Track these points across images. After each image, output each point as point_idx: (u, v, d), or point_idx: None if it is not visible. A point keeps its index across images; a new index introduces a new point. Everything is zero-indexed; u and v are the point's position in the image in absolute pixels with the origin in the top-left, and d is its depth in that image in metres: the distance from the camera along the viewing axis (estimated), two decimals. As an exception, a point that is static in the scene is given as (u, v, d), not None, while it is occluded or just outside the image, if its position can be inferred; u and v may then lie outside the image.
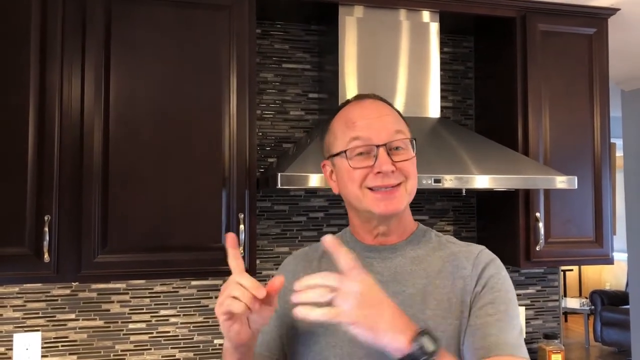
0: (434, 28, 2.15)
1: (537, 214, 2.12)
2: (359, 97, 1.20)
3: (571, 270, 8.30)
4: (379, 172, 1.09)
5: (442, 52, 2.28)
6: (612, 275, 8.46)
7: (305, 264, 1.23)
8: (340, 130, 1.15)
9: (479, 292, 1.08)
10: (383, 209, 1.10)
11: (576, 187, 1.94)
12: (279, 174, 1.67)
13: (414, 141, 1.14)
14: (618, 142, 3.98)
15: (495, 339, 1.03)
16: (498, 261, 1.14)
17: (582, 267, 8.30)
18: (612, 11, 2.24)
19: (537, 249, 2.11)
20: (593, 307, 6.56)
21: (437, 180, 1.77)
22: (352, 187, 1.12)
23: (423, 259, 1.14)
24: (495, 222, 2.31)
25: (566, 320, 7.74)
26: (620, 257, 4.95)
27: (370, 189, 1.10)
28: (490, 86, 2.38)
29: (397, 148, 1.11)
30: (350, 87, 2.05)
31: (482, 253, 1.14)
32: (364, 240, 1.18)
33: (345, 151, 1.12)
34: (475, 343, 1.03)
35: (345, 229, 1.26)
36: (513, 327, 1.06)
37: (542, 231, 2.10)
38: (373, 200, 1.10)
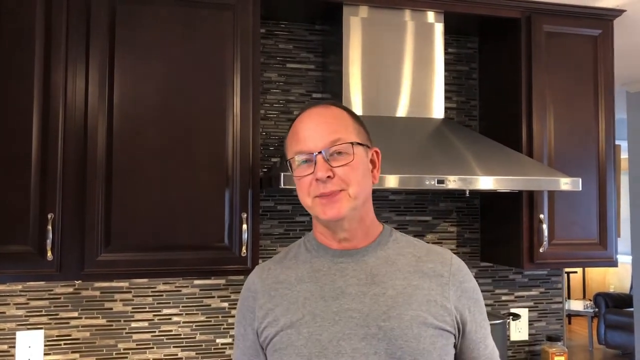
0: (439, 28, 2.14)
1: (541, 216, 2.11)
2: (309, 106, 1.23)
3: (575, 272, 8.27)
4: (317, 179, 1.12)
5: (446, 53, 2.28)
6: (616, 277, 8.42)
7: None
8: (290, 140, 1.20)
9: (468, 307, 1.18)
10: (327, 214, 1.13)
11: (580, 188, 1.93)
12: (282, 174, 1.67)
13: (352, 145, 1.15)
14: (623, 144, 3.96)
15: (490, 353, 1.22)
16: (466, 267, 1.24)
17: (586, 269, 8.28)
18: (617, 12, 2.24)
19: (541, 251, 2.10)
20: (597, 309, 6.53)
21: (441, 181, 1.77)
22: (302, 196, 1.17)
23: (395, 259, 1.18)
24: (499, 224, 2.31)
25: (570, 323, 7.71)
26: (625, 259, 4.93)
27: (317, 196, 1.14)
28: (495, 87, 2.37)
29: (339, 153, 1.14)
30: (354, 87, 2.05)
31: (455, 260, 1.21)
32: (331, 246, 1.20)
33: (287, 161, 1.19)
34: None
35: (308, 235, 1.27)
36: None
37: (545, 233, 2.09)
38: (319, 206, 1.14)
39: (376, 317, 1.10)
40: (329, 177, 1.12)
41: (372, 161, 1.22)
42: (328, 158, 1.13)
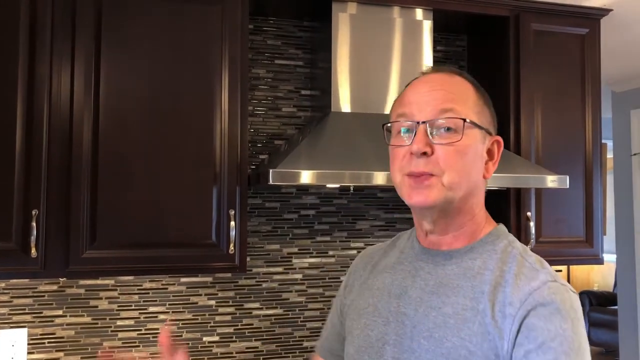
0: (427, 26, 2.14)
1: (529, 213, 2.12)
2: (429, 71, 1.05)
3: (560, 270, 8.33)
4: (412, 153, 0.95)
5: (435, 51, 2.27)
6: (600, 276, 8.51)
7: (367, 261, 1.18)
8: (396, 104, 1.04)
9: (522, 345, 0.87)
10: (413, 199, 0.96)
11: (568, 186, 1.94)
12: (271, 170, 1.66)
13: (464, 122, 0.95)
14: (609, 144, 4.00)
15: None
16: (565, 303, 0.89)
17: (571, 267, 8.35)
18: (604, 12, 2.25)
19: (529, 248, 2.10)
20: (581, 307, 6.59)
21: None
22: (392, 169, 1.00)
23: (478, 273, 0.96)
24: (487, 221, 2.31)
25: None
26: (609, 258, 4.98)
27: (406, 175, 0.96)
28: (483, 85, 2.37)
29: (447, 129, 0.95)
30: (342, 84, 2.04)
31: (544, 289, 0.90)
32: (420, 239, 1.06)
33: (385, 125, 1.01)
34: None
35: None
36: None
37: (533, 230, 2.10)
38: (406, 187, 0.97)
39: (420, 332, 0.95)
40: (424, 153, 0.93)
41: (489, 151, 1.01)
42: (432, 132, 0.95)
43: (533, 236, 2.10)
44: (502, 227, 1.05)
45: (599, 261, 2.25)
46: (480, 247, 1.00)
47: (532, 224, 2.10)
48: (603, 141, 2.35)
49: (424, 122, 0.95)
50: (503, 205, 2.17)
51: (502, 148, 1.04)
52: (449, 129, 0.95)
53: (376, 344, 1.00)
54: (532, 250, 2.08)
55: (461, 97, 0.98)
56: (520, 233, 2.12)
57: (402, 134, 0.98)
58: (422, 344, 0.94)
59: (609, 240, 3.78)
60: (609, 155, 4.65)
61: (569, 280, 8.63)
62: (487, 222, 1.04)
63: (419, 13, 2.14)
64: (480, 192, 1.03)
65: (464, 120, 0.95)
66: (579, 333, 0.88)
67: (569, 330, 0.87)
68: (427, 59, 2.13)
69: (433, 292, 0.98)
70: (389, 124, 1.01)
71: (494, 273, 0.95)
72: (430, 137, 0.94)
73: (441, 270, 1.00)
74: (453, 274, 0.98)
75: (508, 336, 0.88)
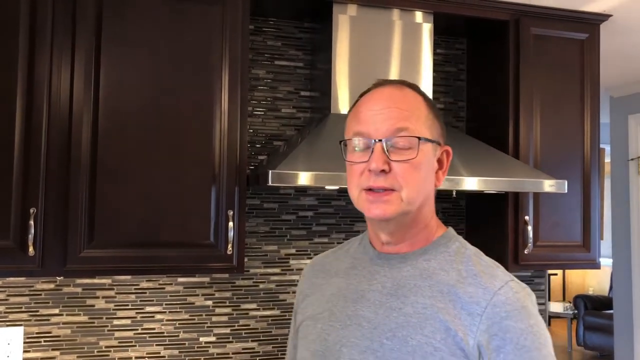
0: (427, 29, 2.14)
1: (527, 217, 2.12)
2: (379, 84, 1.08)
3: (555, 274, 8.36)
4: (370, 170, 0.99)
5: (434, 54, 2.28)
6: (595, 280, 8.54)
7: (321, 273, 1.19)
8: (350, 119, 1.07)
9: (501, 349, 0.91)
10: (372, 212, 1.01)
11: (566, 191, 1.95)
12: (270, 171, 1.66)
13: (419, 140, 1.00)
14: (607, 148, 4.02)
15: None
16: (527, 301, 0.96)
17: (566, 271, 8.38)
18: (604, 17, 2.26)
19: (526, 252, 2.11)
20: (576, 311, 6.61)
21: (429, 181, 1.76)
22: (350, 184, 1.05)
23: (434, 273, 1.01)
24: (484, 225, 2.32)
25: (549, 324, 7.80)
26: (604, 262, 4.99)
27: (364, 190, 1.01)
28: (482, 88, 2.38)
29: (401, 147, 0.99)
30: (341, 85, 2.04)
31: (506, 289, 0.96)
32: (375, 246, 1.10)
33: (342, 142, 1.06)
34: None
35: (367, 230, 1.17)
36: None
37: (530, 234, 2.10)
38: (365, 202, 1.02)
39: (381, 333, 0.98)
40: (383, 170, 0.98)
41: (439, 160, 1.07)
42: (388, 149, 0.99)
43: (531, 240, 2.10)
44: (451, 230, 1.11)
45: (596, 266, 2.26)
46: (433, 249, 1.05)
47: (529, 227, 2.11)
48: (601, 146, 2.36)
49: (380, 141, 0.99)
50: (501, 209, 2.17)
51: (450, 157, 1.09)
52: (402, 146, 0.99)
53: (333, 347, 1.03)
54: (529, 254, 2.10)
55: (414, 113, 1.02)
56: (518, 237, 2.12)
57: (358, 151, 1.02)
58: (385, 344, 0.97)
59: (605, 244, 3.79)
60: (607, 159, 4.66)
61: (564, 285, 8.65)
62: (438, 226, 1.09)
63: (418, 16, 2.14)
64: (432, 200, 1.08)
65: (419, 138, 1.00)
66: (543, 327, 0.96)
67: (535, 326, 0.94)
68: (427, 61, 2.13)
69: (391, 294, 1.01)
70: (344, 141, 1.05)
71: (449, 273, 1.00)
72: (386, 154, 0.99)
73: (397, 272, 1.03)
74: (409, 275, 1.02)
75: (474, 333, 0.93)
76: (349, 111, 1.11)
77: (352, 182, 1.04)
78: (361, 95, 1.09)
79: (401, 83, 1.08)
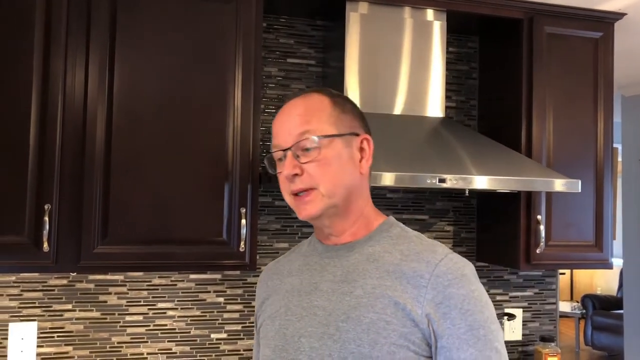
0: (438, 27, 2.13)
1: (539, 217, 2.11)
2: (290, 97, 1.16)
3: (563, 274, 8.33)
4: (286, 177, 1.08)
5: (447, 52, 2.27)
6: (603, 280, 8.50)
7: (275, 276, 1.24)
8: (272, 135, 1.15)
9: (449, 317, 0.99)
10: (302, 214, 1.09)
11: (579, 190, 1.93)
12: (284, 169, 1.66)
13: (319, 139, 1.06)
14: (620, 148, 4.00)
15: None
16: (466, 270, 1.04)
17: (574, 270, 8.35)
18: (618, 15, 2.24)
19: (538, 252, 2.10)
20: (584, 311, 6.58)
21: (442, 180, 1.76)
22: (282, 193, 1.12)
23: (379, 256, 1.08)
24: (496, 224, 2.31)
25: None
26: (614, 262, 4.97)
27: (292, 194, 1.09)
28: (494, 87, 2.37)
29: (307, 149, 1.07)
30: (352, 83, 2.04)
31: (446, 261, 1.04)
32: (322, 241, 1.17)
33: (265, 157, 1.17)
34: None
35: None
36: (499, 356, 1.00)
37: (543, 234, 2.10)
38: (294, 205, 1.10)
39: (336, 317, 1.04)
40: (296, 174, 1.06)
41: (361, 149, 1.12)
42: (297, 155, 1.07)
43: (543, 239, 2.09)
44: (392, 218, 1.18)
45: (608, 266, 2.25)
46: (376, 235, 1.12)
47: (542, 227, 2.10)
48: (614, 145, 2.35)
49: (289, 149, 1.07)
50: (513, 208, 2.17)
51: (371, 144, 1.14)
52: (308, 149, 1.06)
53: (292, 339, 1.07)
54: (541, 254, 2.10)
55: (315, 115, 1.09)
56: (530, 236, 2.12)
57: (280, 162, 1.11)
58: (340, 326, 1.02)
59: (615, 243, 3.78)
60: (619, 158, 4.64)
61: (572, 284, 8.63)
62: (377, 215, 1.17)
63: (430, 14, 2.13)
64: (361, 189, 1.13)
65: (319, 137, 1.06)
66: (484, 292, 1.04)
67: (477, 292, 1.02)
68: (437, 59, 2.13)
69: (342, 281, 1.08)
70: (269, 155, 1.14)
71: (393, 254, 1.08)
72: (297, 159, 1.06)
73: (346, 261, 1.10)
74: (357, 261, 1.09)
75: (422, 303, 1.00)
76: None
77: (283, 190, 1.11)
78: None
79: (311, 90, 1.15)
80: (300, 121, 1.08)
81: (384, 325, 1.00)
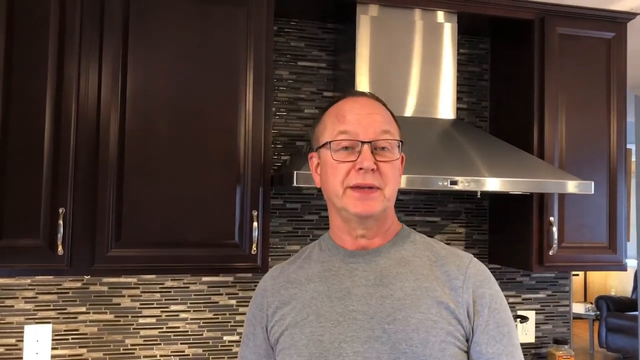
0: (449, 28, 2.13)
1: (551, 218, 2.10)
2: (354, 94, 1.19)
3: (577, 275, 8.27)
4: (360, 169, 1.07)
5: (458, 54, 2.27)
6: (617, 281, 8.42)
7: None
8: (330, 122, 1.14)
9: (480, 312, 1.07)
10: (360, 208, 1.08)
11: (592, 192, 1.92)
12: (295, 172, 1.66)
13: (400, 144, 1.13)
14: (633, 148, 3.96)
15: None
16: (488, 272, 1.14)
17: (588, 272, 8.28)
18: (631, 15, 2.22)
19: (550, 253, 2.09)
20: (598, 312, 6.53)
21: (454, 182, 1.76)
22: (334, 182, 1.11)
23: (409, 260, 1.13)
24: (508, 225, 2.30)
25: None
26: (628, 263, 4.93)
27: (350, 187, 1.09)
28: (506, 88, 2.37)
29: (383, 148, 1.10)
30: (363, 86, 2.04)
31: (473, 264, 1.12)
32: (344, 245, 1.16)
33: (330, 142, 1.11)
34: None
35: (324, 235, 1.24)
36: (518, 351, 1.10)
37: (555, 235, 2.08)
38: (351, 198, 1.09)
39: (381, 320, 1.05)
40: (373, 169, 1.07)
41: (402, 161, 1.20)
42: (373, 150, 1.09)
43: (556, 241, 2.08)
44: (404, 225, 1.23)
45: (622, 267, 2.23)
46: (400, 240, 1.17)
47: (554, 229, 2.09)
48: (627, 146, 2.33)
49: (368, 142, 1.08)
50: (525, 210, 2.15)
51: (404, 162, 1.20)
52: (384, 148, 1.10)
53: (331, 346, 1.06)
54: (553, 255, 2.09)
55: (391, 120, 1.15)
56: (543, 238, 2.11)
57: (344, 151, 1.10)
58: (387, 328, 1.04)
59: (629, 244, 3.75)
60: (633, 159, 4.60)
61: (585, 285, 8.56)
62: (397, 221, 1.21)
63: (440, 16, 2.13)
64: None
65: (399, 141, 1.13)
66: (501, 291, 1.13)
67: (500, 292, 1.12)
68: (448, 61, 2.12)
69: (378, 284, 1.10)
70: (332, 141, 1.11)
71: (422, 259, 1.13)
72: (373, 155, 1.08)
73: (375, 265, 1.12)
74: (388, 265, 1.12)
75: (461, 303, 1.06)
76: (322, 115, 1.18)
77: (337, 179, 1.10)
78: (333, 103, 1.18)
79: (371, 95, 1.19)
80: (382, 120, 1.12)
81: (431, 324, 1.04)
